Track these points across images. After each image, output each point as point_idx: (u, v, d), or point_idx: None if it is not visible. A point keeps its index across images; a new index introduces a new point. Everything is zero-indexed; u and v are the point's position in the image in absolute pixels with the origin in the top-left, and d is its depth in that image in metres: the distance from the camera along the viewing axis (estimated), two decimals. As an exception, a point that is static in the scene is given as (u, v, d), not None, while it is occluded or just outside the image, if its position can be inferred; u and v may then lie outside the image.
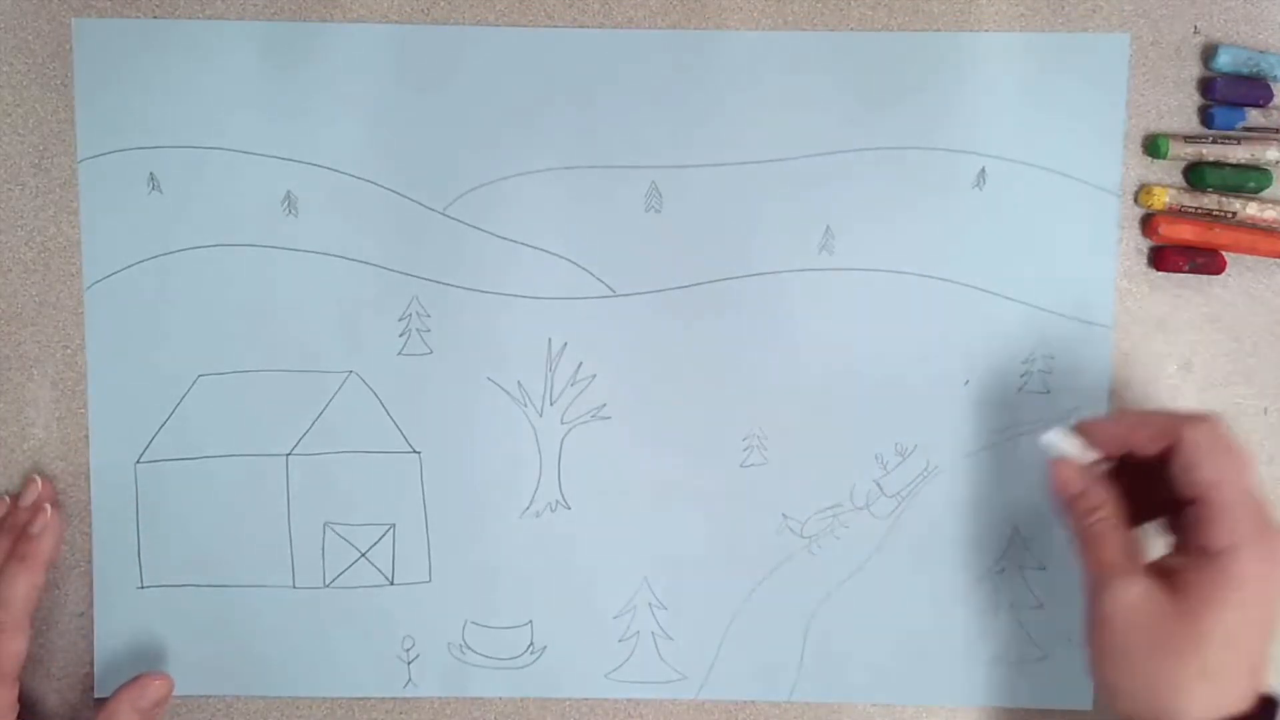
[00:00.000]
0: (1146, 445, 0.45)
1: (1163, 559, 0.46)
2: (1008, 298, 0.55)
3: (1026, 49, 0.54)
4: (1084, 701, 0.56)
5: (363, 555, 0.55)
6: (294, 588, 0.55)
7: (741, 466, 0.55)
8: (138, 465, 0.55)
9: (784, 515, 0.55)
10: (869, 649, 0.56)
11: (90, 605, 0.55)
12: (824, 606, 0.56)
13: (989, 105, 0.54)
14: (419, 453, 0.55)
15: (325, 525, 0.55)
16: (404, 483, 0.55)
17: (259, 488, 0.55)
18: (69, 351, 0.55)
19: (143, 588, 0.55)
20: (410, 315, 0.55)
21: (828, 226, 0.54)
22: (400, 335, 0.55)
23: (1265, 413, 0.56)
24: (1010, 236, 0.55)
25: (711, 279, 0.55)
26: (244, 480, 0.55)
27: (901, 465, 0.55)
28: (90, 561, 0.55)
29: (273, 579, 0.55)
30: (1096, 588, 0.45)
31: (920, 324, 0.55)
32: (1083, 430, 0.47)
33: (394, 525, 0.55)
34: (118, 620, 0.55)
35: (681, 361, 0.55)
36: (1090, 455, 0.47)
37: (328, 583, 0.55)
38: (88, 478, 0.55)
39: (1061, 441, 0.48)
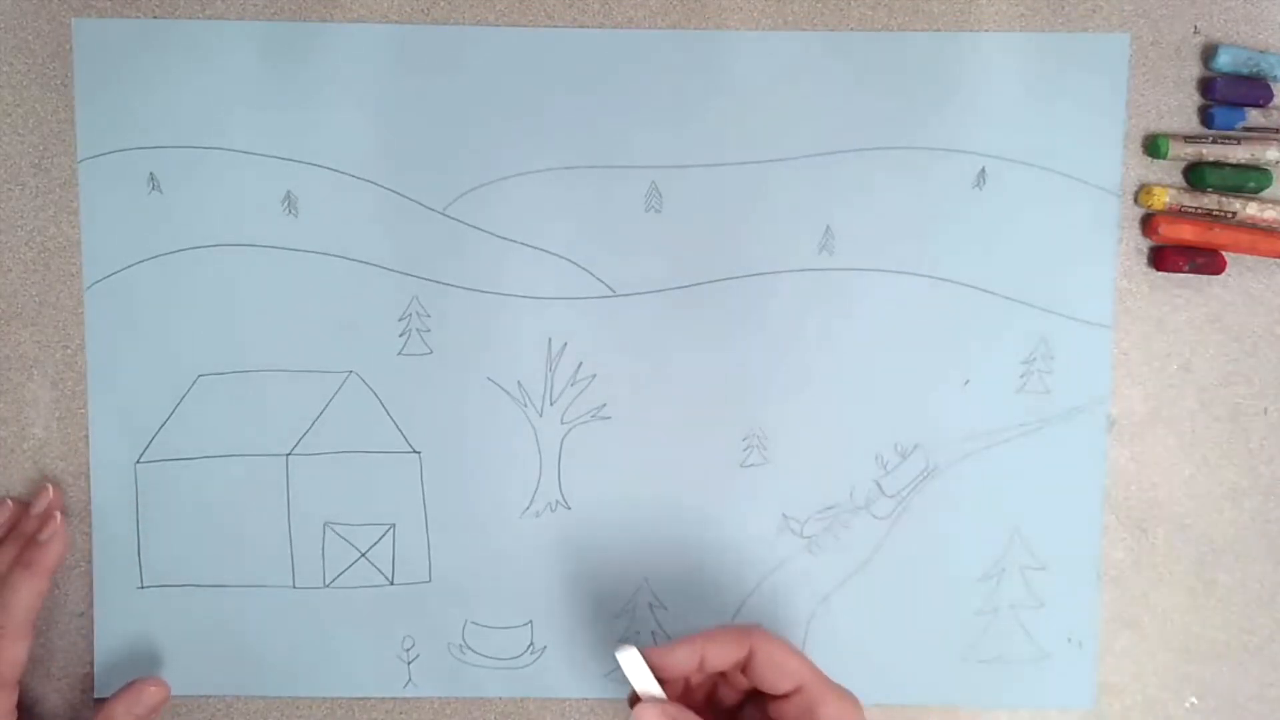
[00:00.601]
0: (720, 663, 0.46)
1: None
2: (1008, 297, 0.55)
3: (1026, 49, 0.54)
4: (1084, 701, 0.56)
5: (363, 555, 0.55)
6: (294, 588, 0.55)
7: (741, 466, 0.55)
8: (138, 465, 0.55)
9: (784, 515, 0.55)
10: (869, 649, 0.56)
11: (90, 605, 0.55)
12: (824, 606, 0.56)
13: (989, 105, 0.54)
14: (419, 453, 0.55)
15: (325, 525, 0.55)
16: (404, 483, 0.55)
17: (259, 488, 0.55)
18: (69, 351, 0.55)
19: (143, 588, 0.55)
20: (410, 315, 0.55)
21: (828, 226, 0.54)
22: (400, 335, 0.55)
23: (1265, 413, 0.56)
24: (1010, 236, 0.55)
25: (711, 279, 0.55)
26: (244, 480, 0.55)
27: (901, 465, 0.55)
28: (90, 561, 0.55)
29: (273, 579, 0.55)
30: None
31: (920, 324, 0.55)
32: (654, 661, 0.46)
33: (394, 525, 0.55)
34: (118, 620, 0.55)
35: (681, 361, 0.55)
36: (657, 691, 0.45)
37: (328, 583, 0.55)
38: (88, 478, 0.55)
39: (634, 672, 0.45)
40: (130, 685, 0.54)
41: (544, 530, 0.55)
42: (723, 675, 0.49)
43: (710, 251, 0.55)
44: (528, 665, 0.56)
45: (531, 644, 0.56)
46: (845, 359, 0.55)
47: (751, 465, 0.55)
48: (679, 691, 0.48)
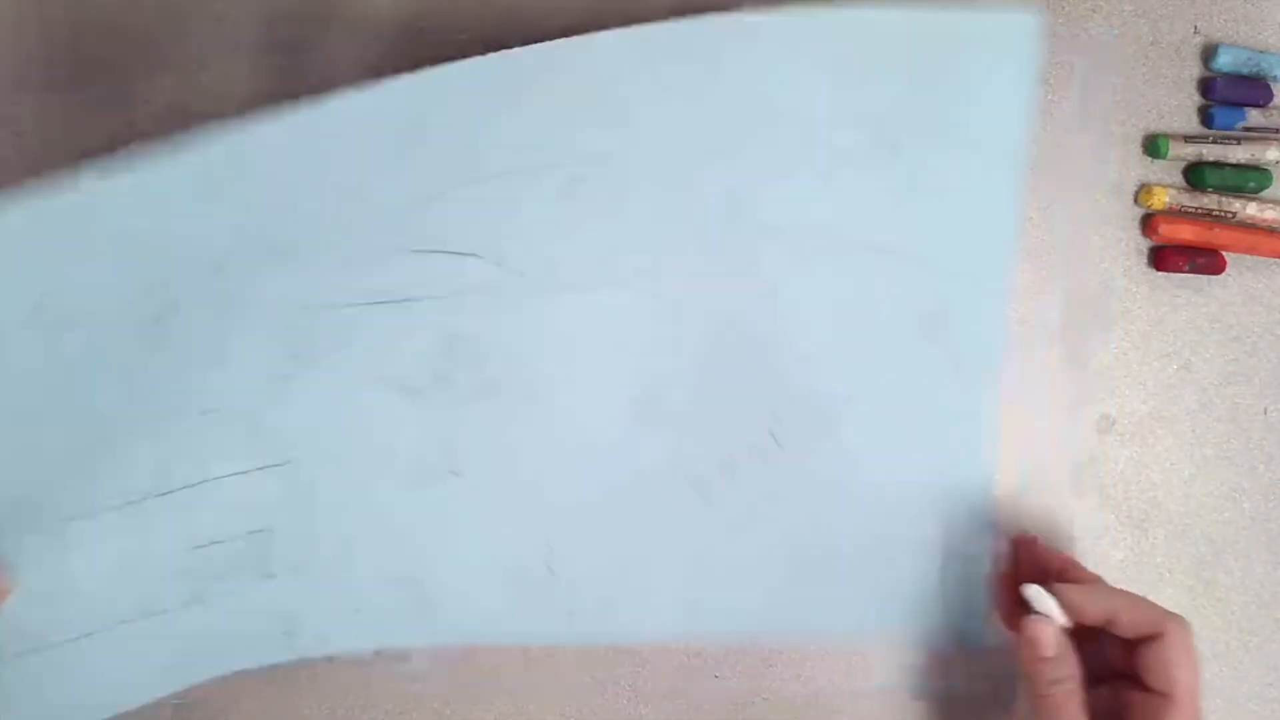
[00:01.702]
0: (1127, 628, 0.46)
1: None
2: (907, 258, 0.52)
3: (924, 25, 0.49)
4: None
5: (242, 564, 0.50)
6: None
7: (635, 420, 0.52)
8: None
9: (681, 470, 0.53)
10: (767, 586, 0.53)
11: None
12: (720, 557, 0.53)
13: (892, 79, 0.50)
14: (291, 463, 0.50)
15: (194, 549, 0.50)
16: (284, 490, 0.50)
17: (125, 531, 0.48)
18: None
19: None
20: None
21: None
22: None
23: (1265, 413, 0.56)
24: (915, 199, 0.51)
25: (603, 255, 0.51)
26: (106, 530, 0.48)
27: (796, 421, 0.52)
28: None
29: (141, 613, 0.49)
30: None
31: (820, 284, 0.52)
32: (1067, 594, 0.47)
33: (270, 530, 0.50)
34: None
35: (572, 332, 0.52)
36: (1066, 621, 0.47)
37: (204, 601, 0.50)
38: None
39: (1043, 601, 0.47)
40: None
41: (436, 502, 0.51)
42: None
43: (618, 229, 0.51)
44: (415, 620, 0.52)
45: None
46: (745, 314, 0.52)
47: (649, 423, 0.52)
48: None
